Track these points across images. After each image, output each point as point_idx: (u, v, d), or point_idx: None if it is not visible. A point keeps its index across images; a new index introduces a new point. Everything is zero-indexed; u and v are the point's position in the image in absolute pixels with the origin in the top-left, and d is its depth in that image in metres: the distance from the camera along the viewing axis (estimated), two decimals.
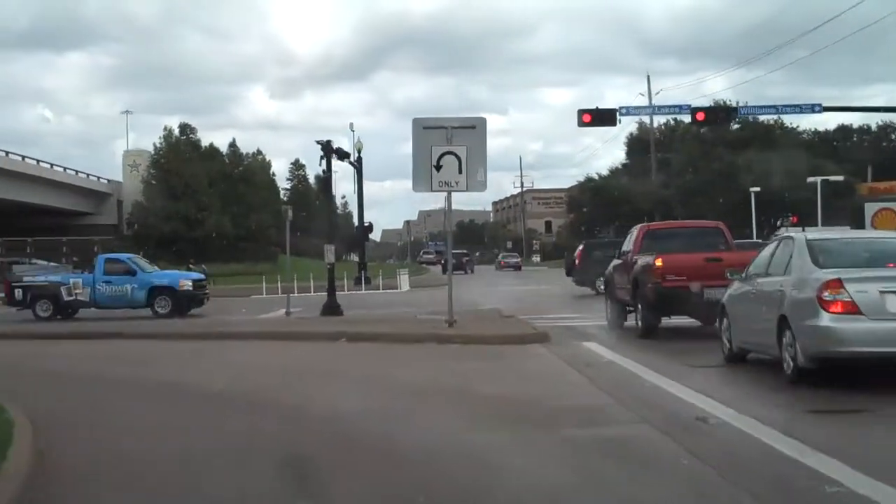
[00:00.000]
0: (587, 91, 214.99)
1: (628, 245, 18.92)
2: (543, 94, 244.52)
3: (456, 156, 18.17)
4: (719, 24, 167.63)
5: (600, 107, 36.79)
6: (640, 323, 16.97)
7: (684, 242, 17.89)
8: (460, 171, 18.15)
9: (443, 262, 74.80)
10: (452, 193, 18.75)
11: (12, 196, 57.53)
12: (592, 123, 37.72)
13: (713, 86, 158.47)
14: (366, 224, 52.83)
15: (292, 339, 18.40)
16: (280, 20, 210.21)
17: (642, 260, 17.09)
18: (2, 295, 29.77)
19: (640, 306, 16.86)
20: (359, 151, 53.89)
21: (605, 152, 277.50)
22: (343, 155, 34.93)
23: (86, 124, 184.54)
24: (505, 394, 10.74)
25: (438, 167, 18.18)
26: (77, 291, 27.30)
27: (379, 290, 43.71)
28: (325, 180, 24.89)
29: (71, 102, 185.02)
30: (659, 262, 16.27)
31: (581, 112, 36.39)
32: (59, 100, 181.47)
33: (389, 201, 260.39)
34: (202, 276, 28.81)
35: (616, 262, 19.68)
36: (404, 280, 46.87)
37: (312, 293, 38.83)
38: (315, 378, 12.79)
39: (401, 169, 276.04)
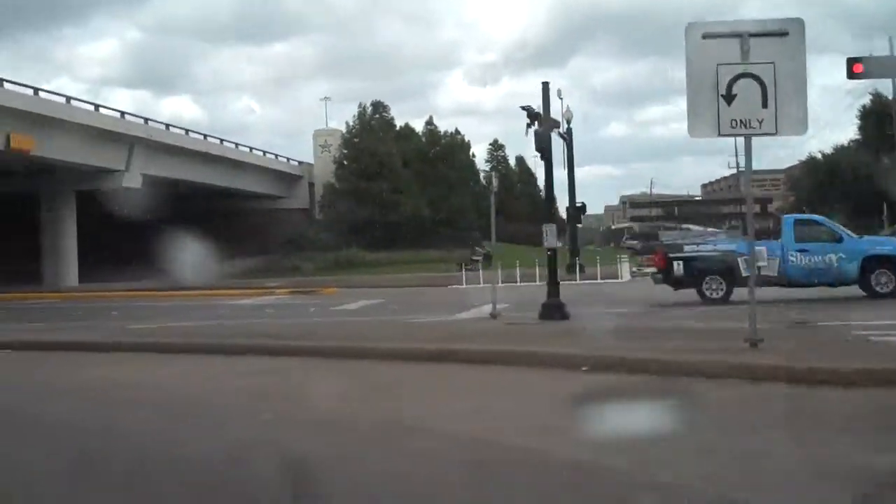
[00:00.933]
0: None
1: None
2: None
3: (757, 79, 11.51)
4: None
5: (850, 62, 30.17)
6: None
7: None
8: (764, 105, 11.47)
9: None
10: (751, 140, 11.91)
11: (209, 180, 54.00)
12: (865, 75, 30.68)
13: None
14: (577, 205, 46.23)
15: (495, 361, 11.69)
16: (477, 5, 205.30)
17: None
18: (650, 271, 23.85)
19: None
20: (568, 122, 47.46)
21: (815, 131, 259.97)
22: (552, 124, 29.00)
23: (287, 114, 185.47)
24: None
25: (730, 98, 11.58)
26: (761, 264, 20.88)
27: (596, 279, 36.89)
28: (541, 138, 18.37)
29: (272, 93, 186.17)
30: None
31: (851, 61, 29.30)
32: (262, 91, 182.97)
33: (589, 186, 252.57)
34: None
35: None
36: (624, 268, 40.03)
37: (518, 283, 33.00)
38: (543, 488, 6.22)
39: (599, 154, 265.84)
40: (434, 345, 13.07)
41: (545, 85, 18.97)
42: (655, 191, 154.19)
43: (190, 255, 53.70)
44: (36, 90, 39.97)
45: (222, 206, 59.83)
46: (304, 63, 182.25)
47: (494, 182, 19.76)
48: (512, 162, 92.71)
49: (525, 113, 19.29)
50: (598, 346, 11.83)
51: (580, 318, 17.09)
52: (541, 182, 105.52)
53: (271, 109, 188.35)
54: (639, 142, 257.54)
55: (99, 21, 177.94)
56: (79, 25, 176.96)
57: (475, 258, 43.27)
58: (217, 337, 15.98)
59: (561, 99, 51.65)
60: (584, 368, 10.80)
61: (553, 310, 16.94)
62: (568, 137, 46.46)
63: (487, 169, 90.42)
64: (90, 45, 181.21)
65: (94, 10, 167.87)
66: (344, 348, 13.19)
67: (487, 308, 21.38)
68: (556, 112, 42.46)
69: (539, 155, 18.99)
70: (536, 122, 19.30)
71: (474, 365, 11.71)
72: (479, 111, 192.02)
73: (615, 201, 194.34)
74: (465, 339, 13.96)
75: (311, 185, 66.23)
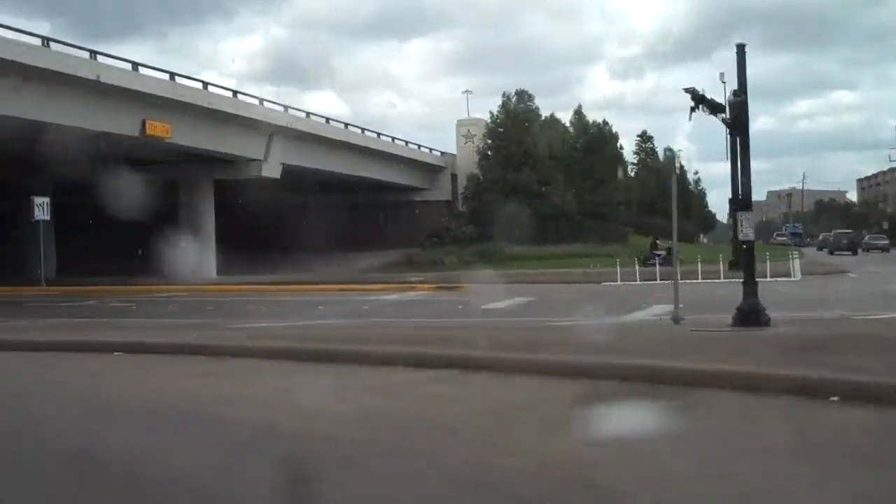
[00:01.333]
0: None
1: None
2: None
3: None
4: None
5: None
6: None
7: None
8: None
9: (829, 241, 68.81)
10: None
11: (349, 170, 52.35)
12: None
13: None
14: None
15: (702, 383, 8.62)
16: None
17: None
18: None
19: None
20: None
21: None
22: (716, 108, 25.94)
23: (427, 108, 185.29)
24: None
25: None
26: None
27: (766, 277, 33.35)
28: (738, 105, 15.62)
29: (414, 87, 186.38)
30: None
31: None
32: (403, 85, 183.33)
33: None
34: None
35: None
36: (796, 265, 36.56)
37: (680, 280, 30.00)
38: None
39: None
40: (629, 359, 10.36)
41: (740, 47, 16.14)
42: (809, 187, 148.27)
43: (328, 247, 52.40)
44: (172, 75, 38.62)
45: (362, 197, 58.36)
46: (444, 58, 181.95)
47: (677, 163, 17.09)
48: (660, 155, 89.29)
49: (689, 96, 16.46)
50: (844, 367, 8.92)
51: (784, 325, 14.19)
52: (691, 176, 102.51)
53: (412, 103, 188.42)
54: (786, 136, 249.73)
55: (244, 17, 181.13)
56: (224, 22, 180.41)
57: (657, 253, 40.53)
58: (348, 342, 13.57)
59: (724, 83, 48.02)
60: (833, 398, 7.96)
61: (752, 315, 14.07)
62: (734, 123, 43.08)
63: (635, 162, 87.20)
64: (235, 41, 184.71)
65: (240, 6, 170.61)
66: (522, 361, 10.48)
67: (658, 309, 18.88)
68: (719, 98, 39.23)
69: (728, 129, 16.20)
70: (701, 106, 16.60)
71: (670, 386, 8.88)
72: (621, 105, 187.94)
73: (762, 196, 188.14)
74: (657, 352, 11.18)
75: (454, 176, 63.90)
